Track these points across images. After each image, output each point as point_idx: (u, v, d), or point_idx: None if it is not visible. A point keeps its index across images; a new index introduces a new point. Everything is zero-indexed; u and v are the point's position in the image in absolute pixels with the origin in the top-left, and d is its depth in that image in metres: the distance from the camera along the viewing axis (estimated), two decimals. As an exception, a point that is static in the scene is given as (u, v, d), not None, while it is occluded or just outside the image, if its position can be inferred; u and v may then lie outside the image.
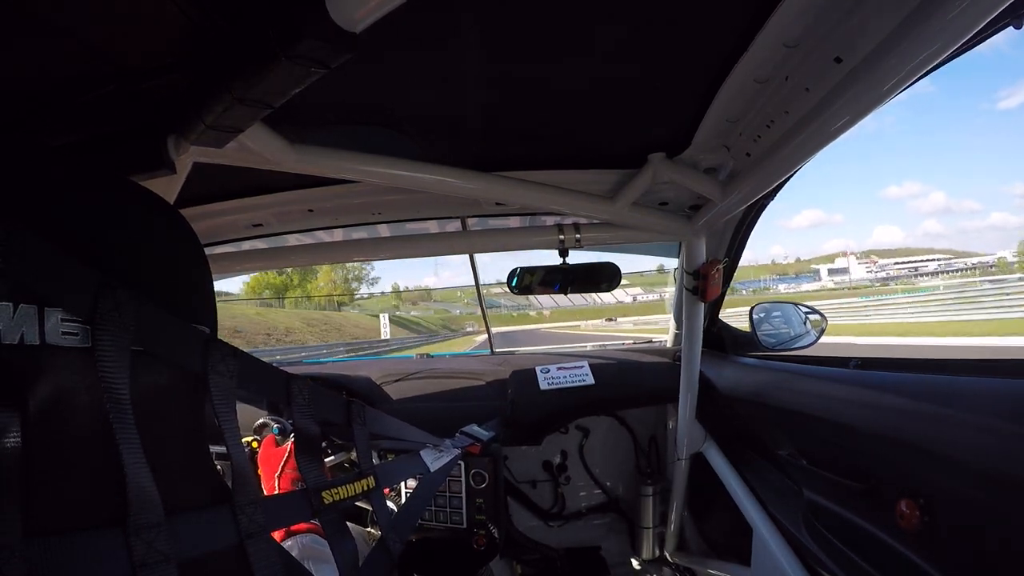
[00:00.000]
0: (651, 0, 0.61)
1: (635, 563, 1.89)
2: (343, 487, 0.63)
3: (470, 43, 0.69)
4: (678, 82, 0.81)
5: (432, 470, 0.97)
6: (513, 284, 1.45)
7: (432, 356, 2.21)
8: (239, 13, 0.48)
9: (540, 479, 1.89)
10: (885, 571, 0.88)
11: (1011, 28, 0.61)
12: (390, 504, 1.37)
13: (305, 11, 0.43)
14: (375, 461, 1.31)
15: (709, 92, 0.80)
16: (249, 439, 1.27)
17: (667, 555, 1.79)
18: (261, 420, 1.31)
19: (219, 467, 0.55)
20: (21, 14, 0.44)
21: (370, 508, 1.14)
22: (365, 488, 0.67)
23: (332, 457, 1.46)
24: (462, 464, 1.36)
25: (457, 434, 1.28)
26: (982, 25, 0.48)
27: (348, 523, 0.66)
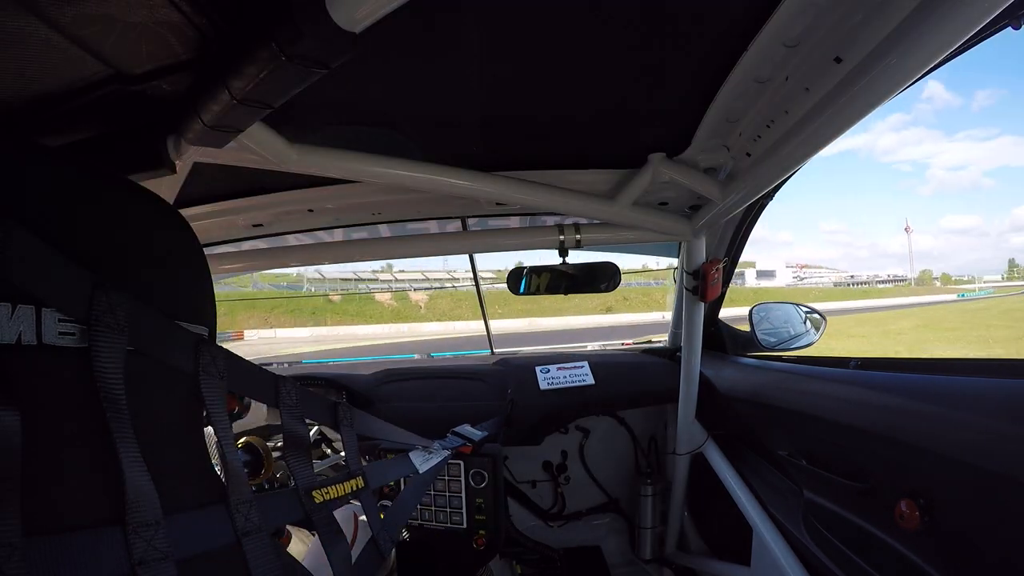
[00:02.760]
0: (651, 0, 0.61)
1: (635, 563, 1.89)
2: (333, 487, 0.64)
3: (470, 44, 0.69)
4: (678, 82, 0.81)
5: (421, 471, 0.98)
6: (514, 285, 1.45)
7: (433, 356, 2.21)
8: (239, 13, 0.48)
9: (540, 479, 1.89)
10: (885, 571, 0.88)
11: (1009, 28, 0.61)
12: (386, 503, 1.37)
13: (305, 11, 0.43)
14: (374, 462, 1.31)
15: (709, 92, 0.80)
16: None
17: (667, 555, 1.79)
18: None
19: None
20: (21, 14, 0.44)
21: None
22: (354, 488, 0.68)
23: (331, 457, 1.47)
24: (462, 464, 1.36)
25: (448, 435, 1.29)
26: (981, 25, 0.48)
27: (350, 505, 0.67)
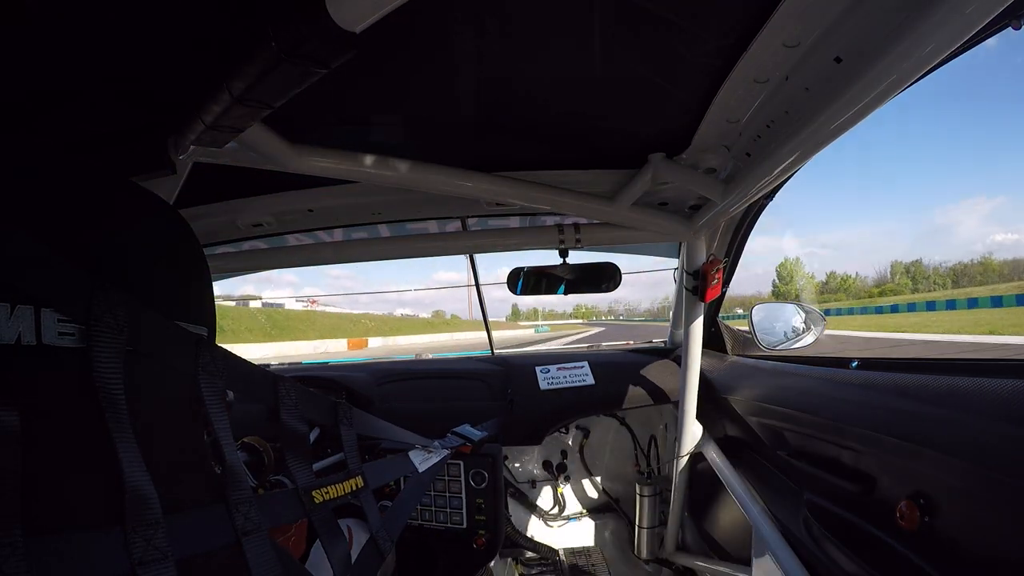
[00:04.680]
0: (651, 0, 0.61)
1: (635, 563, 1.89)
2: (332, 487, 0.64)
3: (470, 43, 0.69)
4: (678, 82, 0.80)
5: (420, 470, 0.98)
6: (514, 285, 1.45)
7: (433, 356, 2.21)
8: (239, 13, 0.48)
9: (540, 479, 1.89)
10: (885, 571, 0.88)
11: (1010, 28, 0.61)
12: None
13: (305, 11, 0.43)
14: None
15: (709, 92, 0.80)
16: None
17: (667, 555, 1.79)
18: None
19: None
20: (21, 16, 0.44)
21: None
22: (354, 487, 0.68)
23: (333, 457, 1.46)
24: (462, 464, 1.36)
25: (448, 434, 1.29)
26: (981, 26, 0.48)
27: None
